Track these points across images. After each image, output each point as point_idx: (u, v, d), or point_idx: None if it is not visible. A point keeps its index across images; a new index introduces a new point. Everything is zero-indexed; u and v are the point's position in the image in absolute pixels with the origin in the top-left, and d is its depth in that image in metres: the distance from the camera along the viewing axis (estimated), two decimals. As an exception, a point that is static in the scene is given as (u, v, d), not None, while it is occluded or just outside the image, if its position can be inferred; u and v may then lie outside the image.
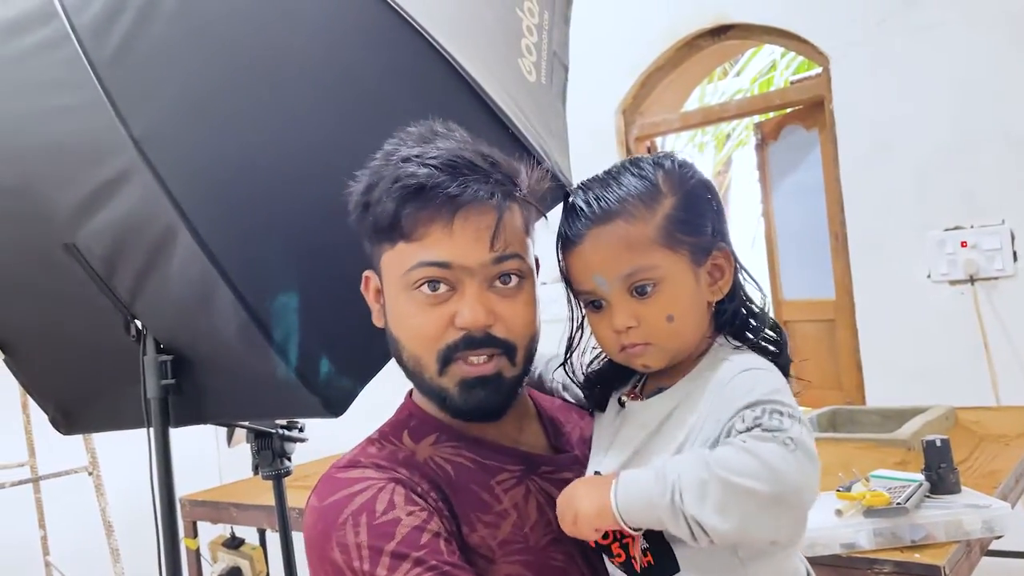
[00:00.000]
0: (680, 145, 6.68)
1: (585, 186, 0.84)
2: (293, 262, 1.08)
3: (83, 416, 1.38)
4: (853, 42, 2.73)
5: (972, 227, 2.55)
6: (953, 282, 2.58)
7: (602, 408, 0.89)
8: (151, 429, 1.23)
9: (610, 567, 0.83)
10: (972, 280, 2.54)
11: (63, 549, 2.72)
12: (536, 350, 0.88)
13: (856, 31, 2.72)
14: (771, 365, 0.79)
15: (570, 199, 0.84)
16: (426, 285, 0.81)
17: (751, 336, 0.82)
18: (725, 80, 6.38)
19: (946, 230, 2.59)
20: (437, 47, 1.11)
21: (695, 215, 0.81)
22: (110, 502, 2.60)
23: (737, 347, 0.81)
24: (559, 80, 1.34)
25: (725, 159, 7.35)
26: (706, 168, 7.36)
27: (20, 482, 2.53)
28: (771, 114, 3.35)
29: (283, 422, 1.88)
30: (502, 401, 0.85)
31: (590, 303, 0.83)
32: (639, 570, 0.77)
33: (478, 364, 0.82)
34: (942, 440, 1.35)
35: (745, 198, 7.58)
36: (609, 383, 0.89)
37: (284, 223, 1.07)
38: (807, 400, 2.87)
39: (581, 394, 0.94)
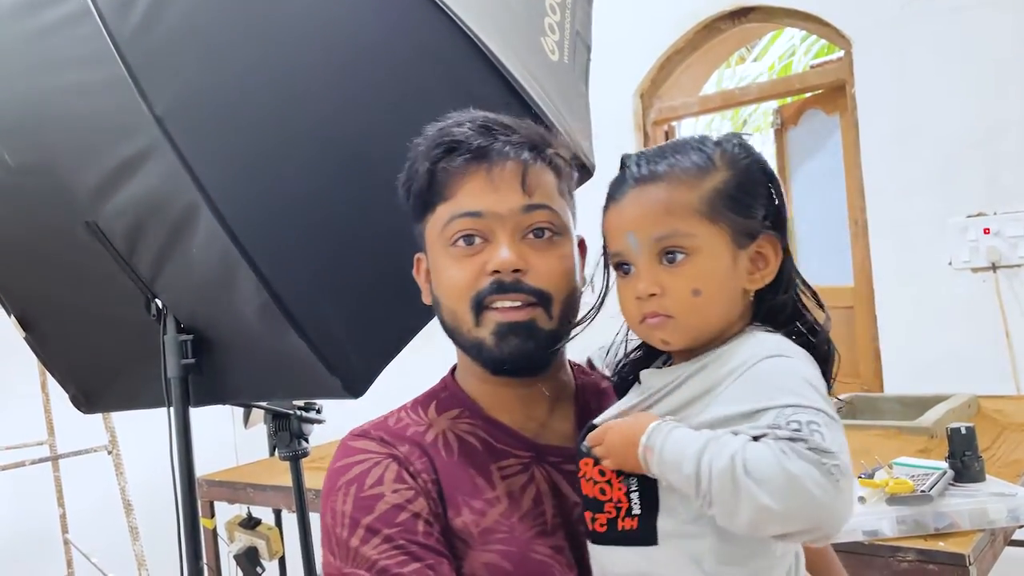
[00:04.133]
0: (698, 128, 6.63)
1: (642, 152, 0.82)
2: (315, 243, 1.08)
3: (103, 395, 1.38)
4: (876, 25, 2.69)
5: (995, 214, 2.52)
6: (975, 269, 2.55)
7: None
8: (171, 409, 1.23)
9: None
10: (994, 267, 2.51)
11: (82, 527, 2.74)
12: (575, 310, 0.88)
13: (880, 14, 2.68)
14: (803, 352, 0.75)
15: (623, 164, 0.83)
16: (462, 240, 0.84)
17: (793, 335, 0.78)
18: (743, 65, 6.32)
19: (969, 216, 2.55)
20: (460, 24, 1.10)
21: (746, 194, 0.78)
22: (129, 481, 2.62)
23: (768, 331, 0.78)
24: (581, 60, 1.32)
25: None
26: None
27: (39, 460, 2.55)
28: (791, 98, 3.31)
29: (301, 403, 1.88)
30: (536, 352, 0.84)
31: (619, 266, 0.80)
32: (620, 530, 0.76)
33: (510, 309, 0.83)
34: (967, 428, 1.33)
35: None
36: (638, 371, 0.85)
37: (306, 203, 1.06)
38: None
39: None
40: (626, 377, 0.86)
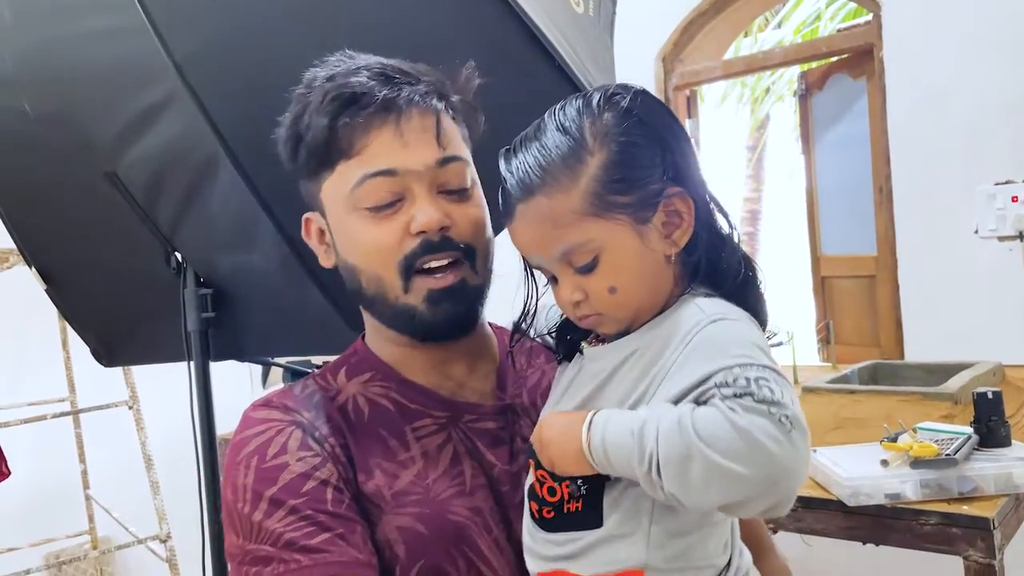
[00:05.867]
0: (718, 97, 6.55)
1: (511, 148, 0.75)
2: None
3: (124, 348, 1.39)
4: (907, -13, 2.62)
5: (1024, 181, 2.47)
6: (1002, 238, 2.50)
7: (570, 357, 0.83)
8: (191, 362, 1.23)
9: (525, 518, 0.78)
10: (1021, 236, 2.46)
11: (103, 483, 2.78)
12: (493, 261, 0.85)
13: (910, -25, 2.61)
14: (744, 315, 0.71)
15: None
16: (378, 199, 0.78)
17: (724, 284, 0.74)
18: (765, 32, 6.22)
19: (997, 184, 2.50)
20: (484, -27, 1.07)
21: (632, 168, 0.71)
22: (150, 436, 2.65)
23: (708, 294, 0.73)
24: (607, 13, 1.30)
25: (763, 115, 7.21)
26: (742, 127, 7.20)
27: (60, 414, 2.58)
28: (816, 63, 3.25)
29: (319, 361, 1.88)
30: (468, 312, 0.82)
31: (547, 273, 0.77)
32: (565, 513, 0.73)
33: (442, 277, 0.79)
34: (994, 392, 1.31)
35: (783, 154, 7.45)
36: (580, 332, 0.81)
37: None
38: (844, 357, 2.83)
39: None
40: (565, 338, 0.82)
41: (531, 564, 0.76)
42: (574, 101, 0.74)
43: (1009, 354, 2.24)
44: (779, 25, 6.06)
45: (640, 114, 0.72)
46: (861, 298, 3.01)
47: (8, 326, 2.66)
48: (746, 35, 5.62)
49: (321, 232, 0.85)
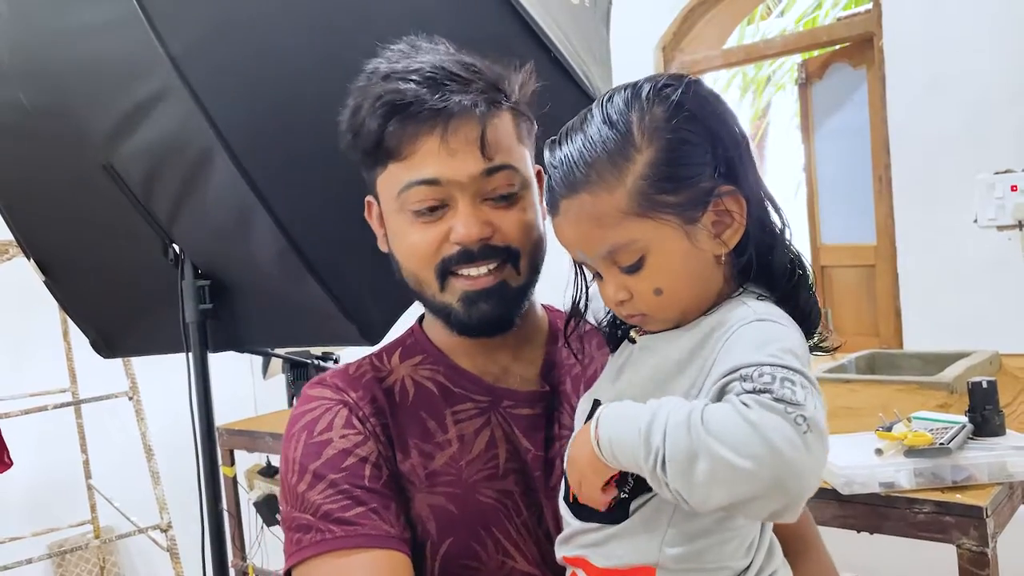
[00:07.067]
0: (719, 86, 6.53)
1: (557, 139, 0.73)
2: (332, 188, 1.07)
3: (123, 340, 1.39)
4: (907, -25, 2.62)
5: (1023, 171, 2.46)
6: (1001, 227, 2.50)
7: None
8: (189, 353, 1.24)
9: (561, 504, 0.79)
10: (1021, 226, 2.46)
11: (105, 472, 2.80)
12: (542, 256, 0.86)
13: (911, -37, 2.60)
14: (793, 323, 0.69)
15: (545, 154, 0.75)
16: (421, 206, 0.80)
17: (778, 285, 0.72)
18: (767, 20, 6.20)
19: (996, 173, 2.50)
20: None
21: (681, 166, 0.68)
22: (150, 426, 2.66)
23: (761, 296, 0.71)
24: (603, 3, 1.30)
25: (764, 104, 7.18)
26: (743, 115, 7.17)
27: (61, 405, 2.60)
28: (816, 52, 3.24)
29: (318, 352, 1.89)
30: (507, 312, 0.83)
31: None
32: (599, 509, 0.73)
33: (478, 277, 0.81)
34: (988, 381, 1.32)
35: (784, 144, 7.43)
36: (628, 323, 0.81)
37: (323, 147, 1.05)
38: (843, 346, 2.84)
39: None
40: (616, 333, 0.82)
41: (560, 544, 0.78)
42: (622, 91, 0.71)
43: (1008, 343, 2.24)
44: (781, 14, 6.04)
45: (692, 108, 0.69)
46: (860, 287, 3.02)
47: (9, 317, 2.68)
48: (750, 22, 5.61)
49: (381, 217, 0.87)
